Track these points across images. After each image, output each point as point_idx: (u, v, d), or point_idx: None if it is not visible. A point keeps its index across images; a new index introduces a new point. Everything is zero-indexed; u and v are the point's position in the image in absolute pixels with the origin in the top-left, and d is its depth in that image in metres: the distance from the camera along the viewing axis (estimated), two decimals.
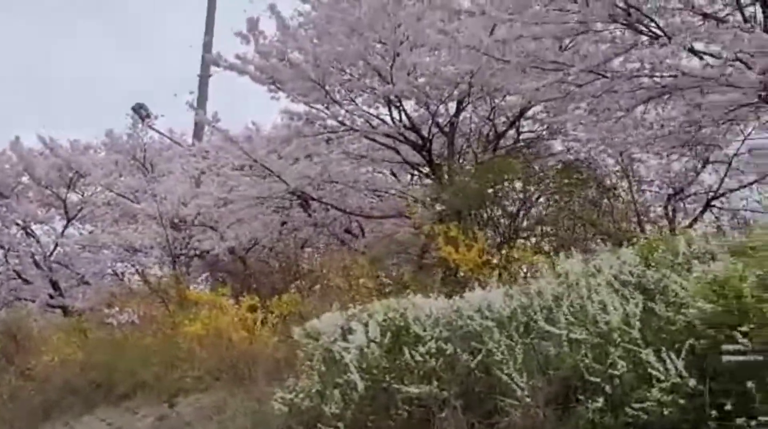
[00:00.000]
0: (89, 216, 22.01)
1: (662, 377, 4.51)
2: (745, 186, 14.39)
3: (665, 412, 4.46)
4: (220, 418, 8.54)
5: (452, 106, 14.81)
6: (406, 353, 6.12)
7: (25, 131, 33.90)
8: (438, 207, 12.72)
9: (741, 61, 9.31)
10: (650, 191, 14.98)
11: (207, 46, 18.50)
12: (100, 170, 21.29)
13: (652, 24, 9.99)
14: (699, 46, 10.11)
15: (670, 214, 14.32)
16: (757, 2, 10.09)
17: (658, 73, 10.22)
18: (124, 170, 21.96)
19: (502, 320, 5.82)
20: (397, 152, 15.10)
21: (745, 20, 9.81)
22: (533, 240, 12.44)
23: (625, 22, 10.14)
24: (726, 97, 10.20)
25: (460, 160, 15.27)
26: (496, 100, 14.80)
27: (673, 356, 4.51)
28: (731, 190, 14.55)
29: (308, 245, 17.63)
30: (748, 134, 13.45)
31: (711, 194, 14.63)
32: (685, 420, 4.44)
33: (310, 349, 7.20)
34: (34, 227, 21.89)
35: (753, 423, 4.10)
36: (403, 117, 14.50)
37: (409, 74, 13.70)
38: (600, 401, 4.81)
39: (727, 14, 10.29)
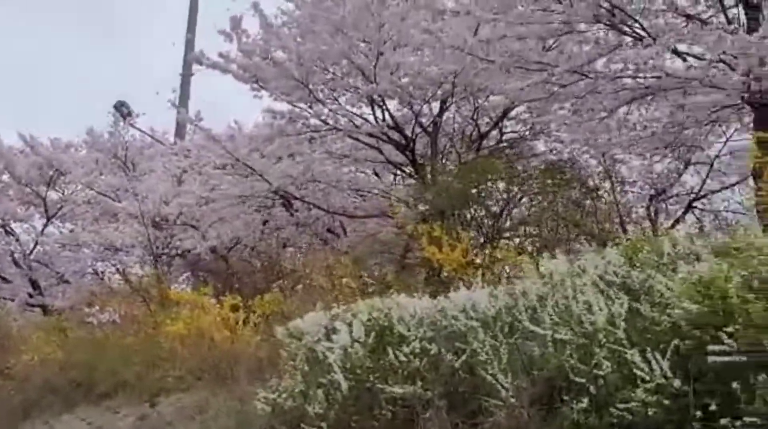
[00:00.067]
0: (69, 214, 21.81)
1: (647, 378, 4.50)
2: (726, 187, 14.48)
3: (650, 413, 4.45)
4: (202, 417, 8.49)
5: (435, 106, 14.81)
6: (390, 353, 6.09)
7: (6, 129, 33.62)
8: (421, 207, 12.70)
9: (724, 62, 9.35)
10: (632, 192, 15.05)
11: (189, 45, 18.46)
12: (81, 168, 21.10)
13: (636, 25, 10.02)
14: (682, 47, 10.17)
15: (652, 215, 14.38)
16: (740, 4, 10.14)
17: (641, 74, 10.26)
18: (105, 168, 21.77)
19: (487, 320, 5.79)
20: (380, 152, 15.07)
21: (729, 22, 9.86)
22: (516, 240, 12.46)
23: (608, 23, 10.17)
24: (709, 98, 10.26)
25: (443, 160, 15.26)
26: (480, 100, 14.82)
27: (658, 357, 4.49)
28: (713, 192, 14.64)
29: (290, 245, 17.56)
30: (730, 136, 13.54)
31: (693, 195, 14.71)
32: (670, 420, 4.42)
33: (293, 348, 7.17)
34: (13, 225, 21.67)
35: (737, 424, 4.08)
36: (387, 116, 14.48)
37: (392, 74, 13.67)
38: (585, 402, 4.79)
39: (711, 16, 10.35)
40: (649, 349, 4.54)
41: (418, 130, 14.69)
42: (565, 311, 5.21)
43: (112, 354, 11.99)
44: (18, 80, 49.52)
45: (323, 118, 14.71)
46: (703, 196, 14.72)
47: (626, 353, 4.64)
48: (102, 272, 21.02)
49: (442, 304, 6.37)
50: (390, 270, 12.66)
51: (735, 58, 9.20)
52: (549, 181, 12.42)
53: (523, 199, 12.63)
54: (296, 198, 15.94)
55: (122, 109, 22.27)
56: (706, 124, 12.12)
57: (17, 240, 21.27)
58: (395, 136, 14.56)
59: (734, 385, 4.12)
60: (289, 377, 7.01)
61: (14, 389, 13.07)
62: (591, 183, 13.26)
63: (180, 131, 21.03)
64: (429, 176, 14.02)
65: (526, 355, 5.42)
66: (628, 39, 10.24)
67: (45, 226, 21.69)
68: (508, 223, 12.43)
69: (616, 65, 10.48)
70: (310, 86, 14.04)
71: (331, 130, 14.87)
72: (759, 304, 4.21)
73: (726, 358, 4.18)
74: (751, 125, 10.70)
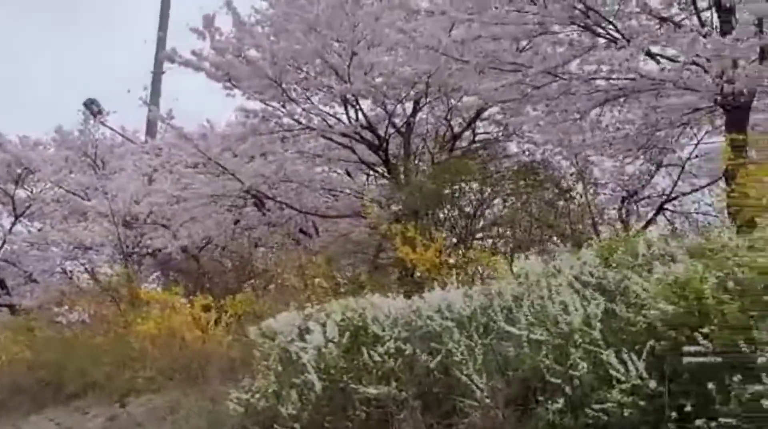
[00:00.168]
0: (38, 213, 21.56)
1: (623, 378, 4.50)
2: (697, 189, 14.60)
3: (625, 414, 4.45)
4: (174, 418, 8.42)
5: (409, 107, 14.78)
6: (364, 353, 6.07)
7: None
8: (394, 207, 12.68)
9: (697, 64, 9.41)
10: (604, 194, 15.13)
11: (161, 42, 18.29)
12: (50, 166, 20.88)
13: (610, 27, 10.05)
14: (655, 49, 10.22)
15: (624, 216, 14.45)
16: (713, 7, 10.20)
17: (615, 76, 10.30)
18: (74, 167, 21.53)
19: (462, 321, 5.78)
20: (354, 152, 15.03)
21: (702, 24, 9.92)
22: (490, 241, 12.47)
23: (583, 24, 10.20)
24: (683, 99, 10.33)
25: (417, 161, 15.24)
26: (453, 101, 14.80)
27: (633, 357, 4.49)
28: (684, 194, 14.74)
29: (262, 244, 17.48)
30: (701, 138, 13.65)
31: (664, 197, 14.81)
32: (645, 421, 4.42)
33: (266, 349, 7.12)
34: None
35: (713, 425, 4.09)
36: (360, 116, 14.44)
37: (366, 73, 13.64)
38: (560, 402, 4.78)
39: (684, 18, 10.41)
40: (624, 349, 4.55)
41: (391, 130, 14.66)
42: (540, 312, 5.20)
43: (81, 354, 11.87)
44: None
45: (296, 117, 14.66)
46: (674, 198, 14.83)
47: (602, 354, 4.64)
48: (71, 271, 20.81)
49: (417, 304, 6.35)
50: (363, 270, 12.63)
51: (708, 60, 9.26)
52: (522, 182, 12.44)
53: (497, 200, 12.64)
54: (268, 197, 15.87)
55: (92, 107, 22.03)
56: (677, 126, 12.20)
57: None
58: (368, 136, 14.52)
59: (710, 385, 4.12)
60: (262, 377, 6.97)
61: None
62: (564, 184, 13.30)
63: (151, 129, 20.88)
64: (402, 176, 14.00)
65: (502, 355, 5.41)
66: (602, 41, 10.27)
67: (13, 224, 21.44)
68: (481, 224, 12.44)
69: (589, 67, 10.51)
70: (284, 85, 13.96)
71: (304, 130, 14.81)
72: (734, 305, 4.22)
73: (701, 359, 4.19)
74: (723, 128, 10.78)
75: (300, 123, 14.70)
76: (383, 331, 6.18)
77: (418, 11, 11.43)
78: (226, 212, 16.63)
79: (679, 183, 14.60)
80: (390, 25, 12.47)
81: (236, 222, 16.97)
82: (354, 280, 11.51)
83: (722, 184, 11.21)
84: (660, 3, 10.38)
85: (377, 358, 6.00)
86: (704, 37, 9.22)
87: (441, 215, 12.17)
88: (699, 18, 10.23)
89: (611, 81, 10.57)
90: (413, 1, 11.62)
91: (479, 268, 10.33)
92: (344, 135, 14.54)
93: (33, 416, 11.30)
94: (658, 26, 10.03)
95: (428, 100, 14.51)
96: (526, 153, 15.31)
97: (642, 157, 14.08)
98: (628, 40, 9.58)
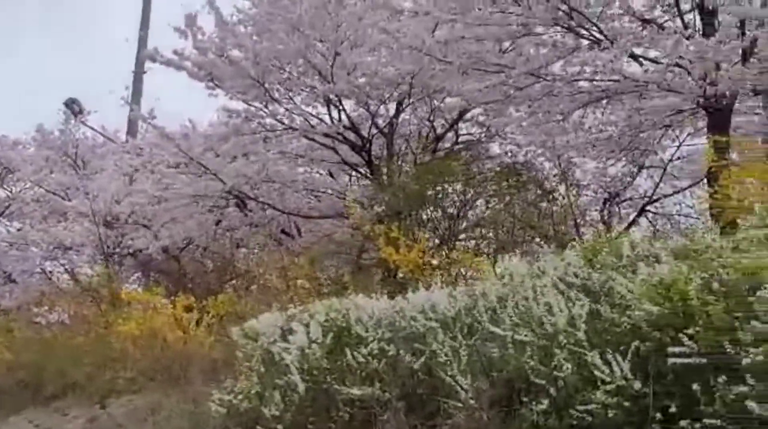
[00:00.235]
0: (17, 213, 21.45)
1: (607, 379, 4.50)
2: (678, 191, 14.66)
3: (610, 414, 4.45)
4: (155, 419, 8.38)
5: (392, 107, 14.75)
6: (347, 354, 6.06)
7: None
8: (377, 208, 12.65)
9: (681, 66, 9.44)
10: (586, 195, 15.16)
11: (142, 42, 18.21)
12: (30, 166, 20.76)
13: (594, 28, 10.08)
14: (638, 51, 10.25)
15: (606, 218, 14.48)
16: (696, 9, 10.25)
17: (598, 78, 10.33)
18: (55, 166, 21.38)
19: (447, 321, 5.77)
20: (336, 152, 14.98)
21: (685, 26, 9.96)
22: (473, 242, 12.47)
23: (566, 25, 10.21)
24: (666, 101, 10.36)
25: (399, 162, 15.22)
26: (436, 102, 14.79)
27: (618, 358, 4.50)
28: (666, 196, 14.79)
29: (244, 245, 17.41)
30: (683, 140, 13.71)
31: (646, 199, 14.86)
32: (630, 422, 4.43)
33: (248, 349, 7.09)
34: None
35: (697, 426, 4.09)
36: (343, 117, 14.40)
37: (349, 74, 13.60)
38: (544, 403, 4.79)
39: (667, 20, 10.46)
40: (609, 350, 4.55)
41: (374, 131, 14.63)
42: (525, 312, 5.20)
43: (61, 354, 11.80)
44: None
45: (279, 117, 14.60)
46: (656, 200, 14.88)
47: (586, 355, 4.64)
48: (51, 272, 20.65)
49: (401, 305, 6.34)
50: (346, 271, 12.59)
51: (691, 62, 9.29)
52: (505, 184, 12.45)
53: (480, 201, 12.64)
54: (250, 198, 15.78)
55: (73, 107, 21.91)
56: (660, 128, 12.25)
57: None
58: (351, 136, 14.49)
59: (694, 386, 4.13)
60: (244, 378, 6.94)
61: None
62: (547, 185, 13.32)
63: (132, 129, 20.77)
64: (385, 177, 13.97)
65: (486, 356, 5.40)
66: (586, 42, 10.29)
67: None
68: (464, 225, 12.44)
69: (573, 68, 10.54)
70: (266, 85, 13.91)
71: (287, 130, 14.75)
72: (719, 306, 4.23)
73: (686, 360, 4.19)
74: (705, 130, 10.83)
75: (283, 123, 14.65)
76: (367, 331, 6.17)
77: (401, 12, 11.40)
78: (207, 213, 16.51)
79: (661, 185, 14.65)
80: (373, 25, 12.44)
81: (218, 222, 16.87)
82: (337, 281, 11.47)
83: (704, 185, 11.27)
84: (643, 5, 10.44)
85: (361, 359, 5.99)
86: (687, 39, 9.26)
87: (424, 216, 12.16)
88: (682, 20, 10.27)
89: (594, 82, 10.60)
90: (396, 1, 11.58)
91: (462, 269, 10.32)
92: (327, 135, 14.49)
93: (12, 417, 11.21)
94: (641, 28, 10.07)
95: (411, 100, 14.47)
96: (509, 154, 15.31)
97: (624, 158, 14.13)
98: (612, 42, 9.61)
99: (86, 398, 10.45)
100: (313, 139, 14.93)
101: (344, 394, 5.92)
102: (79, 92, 27.03)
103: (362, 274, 11.91)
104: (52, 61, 47.49)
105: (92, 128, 22.06)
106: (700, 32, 9.79)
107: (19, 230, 21.30)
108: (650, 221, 14.95)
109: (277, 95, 14.35)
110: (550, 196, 12.80)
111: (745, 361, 3.92)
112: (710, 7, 9.91)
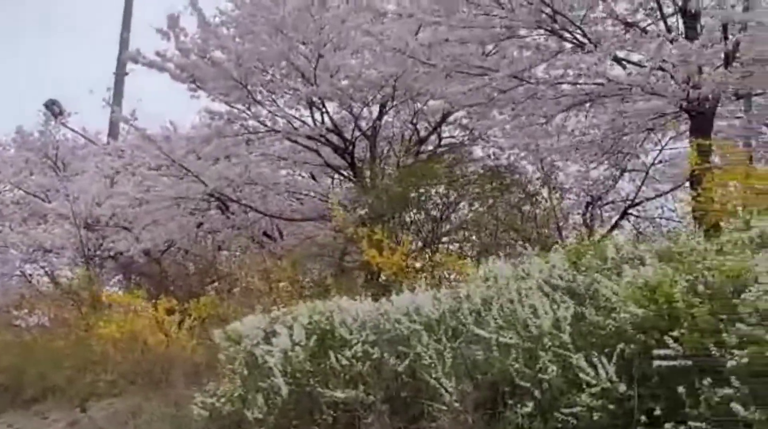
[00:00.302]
0: None
1: (592, 382, 4.49)
2: (661, 194, 14.71)
3: (595, 417, 4.45)
4: (136, 422, 8.33)
5: (375, 110, 14.73)
6: (331, 357, 6.04)
7: None
8: (360, 210, 12.62)
9: (664, 69, 9.47)
10: (569, 199, 15.19)
11: (124, 43, 18.10)
12: (10, 168, 20.62)
13: (577, 31, 10.09)
14: (621, 54, 10.28)
15: (588, 221, 14.52)
16: (678, 13, 10.29)
17: (582, 81, 10.35)
18: (35, 168, 21.24)
19: (431, 324, 5.75)
20: (319, 155, 14.94)
21: (668, 30, 9.99)
22: (456, 244, 12.46)
23: (549, 28, 10.23)
24: (649, 104, 10.40)
25: (382, 164, 15.20)
26: (419, 105, 14.78)
27: (603, 361, 4.49)
28: (648, 199, 14.85)
29: (226, 248, 17.35)
30: (665, 144, 13.78)
31: (628, 202, 14.91)
32: (615, 425, 4.42)
33: (231, 352, 7.05)
34: None
35: (682, 428, 4.09)
36: (326, 119, 14.39)
37: (332, 76, 13.58)
38: (529, 406, 4.78)
39: (650, 24, 10.49)
40: (594, 353, 4.55)
41: (357, 133, 14.61)
42: (510, 315, 5.18)
43: (41, 357, 11.71)
44: None
45: (261, 119, 14.53)
46: (638, 203, 14.93)
47: (571, 357, 4.63)
48: (30, 274, 20.49)
49: (385, 307, 6.31)
50: (329, 273, 12.55)
51: (674, 66, 9.32)
52: (488, 186, 12.45)
53: (463, 204, 12.64)
54: (233, 200, 15.72)
55: (53, 108, 21.76)
56: (642, 132, 12.29)
57: None
58: (334, 139, 14.46)
59: (679, 389, 4.13)
60: (227, 381, 6.91)
61: None
62: (530, 188, 13.33)
63: (113, 131, 20.63)
64: (368, 180, 13.95)
65: (471, 359, 5.38)
66: (569, 45, 10.31)
67: None
68: (447, 228, 12.43)
69: (556, 71, 10.57)
70: (249, 87, 13.85)
71: (270, 132, 14.69)
72: (704, 309, 4.22)
73: (671, 363, 4.19)
74: (687, 133, 10.87)
75: (265, 125, 14.58)
76: (351, 334, 6.15)
77: (384, 14, 11.39)
78: (189, 215, 16.43)
79: (643, 188, 14.71)
80: (356, 27, 12.42)
81: (200, 225, 16.79)
82: (320, 284, 11.44)
83: (686, 189, 11.32)
84: (626, 8, 10.47)
85: (344, 362, 5.97)
86: (671, 42, 9.30)
87: (407, 219, 12.14)
88: (665, 23, 10.31)
89: (578, 86, 10.62)
90: (380, 3, 11.56)
91: (446, 271, 10.31)
92: (310, 138, 14.46)
93: None
94: (624, 32, 10.10)
95: (394, 103, 14.46)
96: (492, 157, 15.33)
97: (607, 162, 14.17)
98: (595, 45, 9.63)
99: (66, 401, 10.38)
100: (295, 142, 14.89)
101: (328, 396, 5.90)
102: (60, 94, 26.89)
103: (345, 277, 11.88)
104: (32, 63, 47.20)
105: (72, 130, 21.96)
106: (683, 36, 9.83)
107: None
108: (633, 224, 15.01)
109: (259, 97, 14.30)
110: (533, 199, 12.82)
111: (730, 363, 3.92)
112: (693, 11, 9.95)
